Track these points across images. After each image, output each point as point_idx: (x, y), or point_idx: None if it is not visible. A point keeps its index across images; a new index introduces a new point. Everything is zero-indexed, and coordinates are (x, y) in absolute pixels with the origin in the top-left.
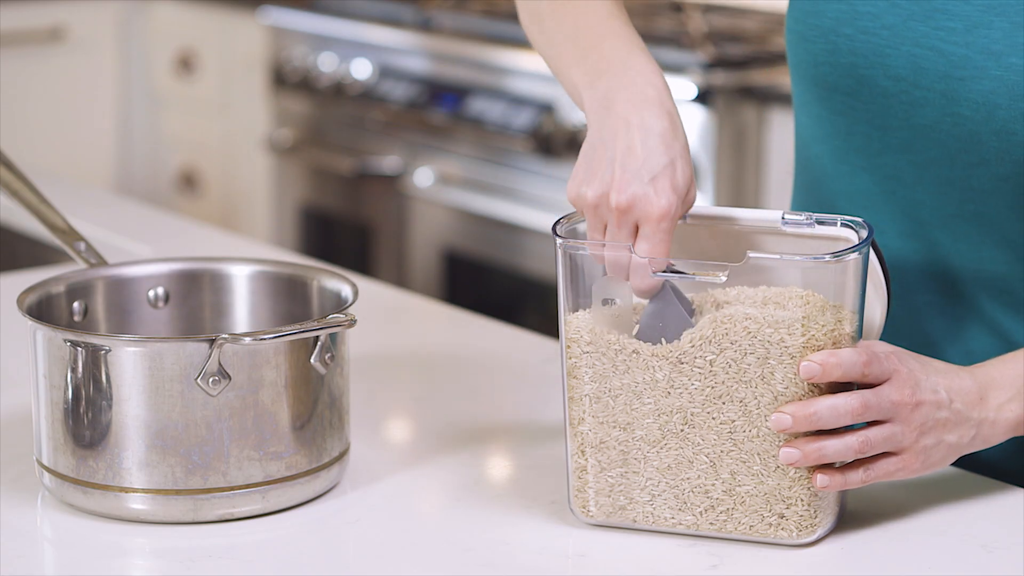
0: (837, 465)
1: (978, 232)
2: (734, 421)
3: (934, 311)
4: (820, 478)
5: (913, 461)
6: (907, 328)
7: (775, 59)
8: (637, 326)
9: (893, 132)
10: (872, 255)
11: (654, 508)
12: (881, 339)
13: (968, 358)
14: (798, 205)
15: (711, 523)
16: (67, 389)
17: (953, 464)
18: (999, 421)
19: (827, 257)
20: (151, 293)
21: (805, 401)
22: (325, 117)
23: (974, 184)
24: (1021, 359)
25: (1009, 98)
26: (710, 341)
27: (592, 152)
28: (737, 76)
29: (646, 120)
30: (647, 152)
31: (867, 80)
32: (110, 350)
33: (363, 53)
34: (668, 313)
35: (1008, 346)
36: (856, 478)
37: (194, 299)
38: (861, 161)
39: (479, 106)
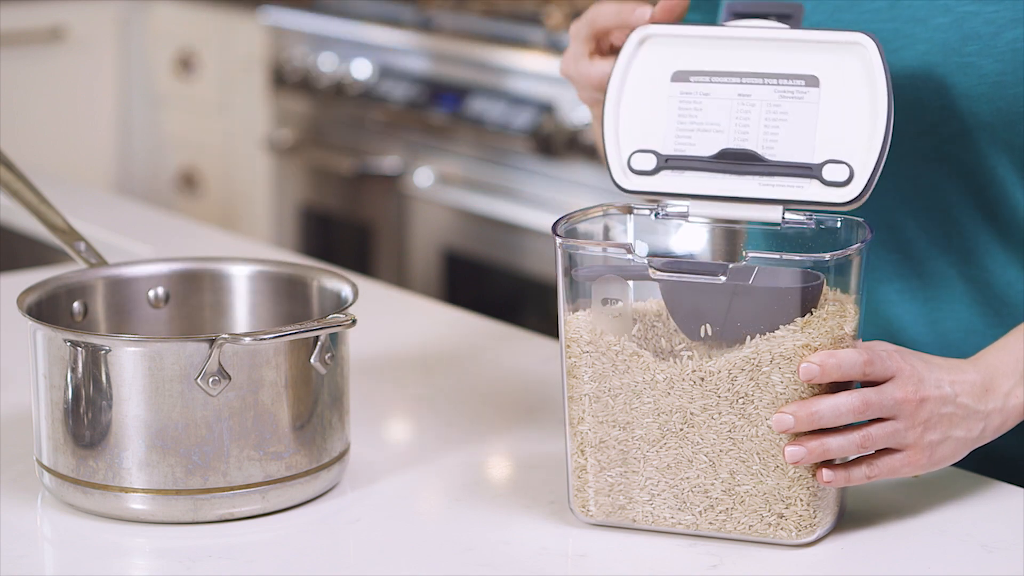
0: (839, 462)
1: (936, 207)
2: (733, 421)
3: (905, 297)
4: (825, 473)
5: (919, 457)
6: (881, 320)
7: None
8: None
9: None
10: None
11: (653, 508)
12: (855, 337)
13: (943, 341)
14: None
15: (710, 523)
16: (67, 389)
17: (967, 458)
18: (1008, 408)
19: (827, 257)
20: (151, 293)
21: (807, 400)
22: (325, 117)
23: (922, 157)
24: (1019, 343)
25: (943, 54)
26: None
27: None
28: None
29: None
30: None
31: None
32: (110, 350)
33: (363, 53)
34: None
35: (983, 324)
36: (859, 474)
37: (194, 299)
38: None
39: (479, 106)
